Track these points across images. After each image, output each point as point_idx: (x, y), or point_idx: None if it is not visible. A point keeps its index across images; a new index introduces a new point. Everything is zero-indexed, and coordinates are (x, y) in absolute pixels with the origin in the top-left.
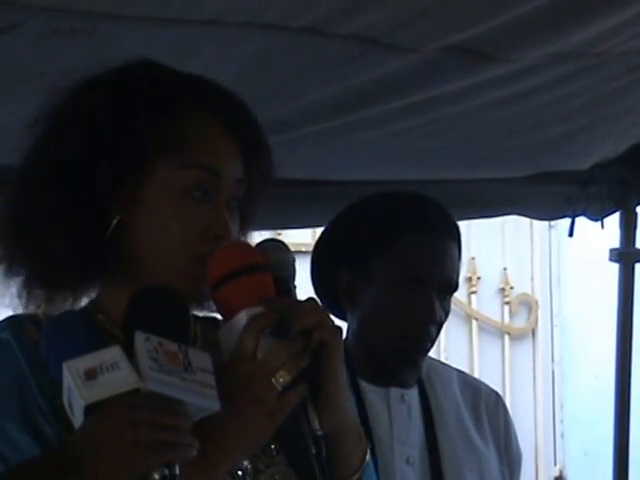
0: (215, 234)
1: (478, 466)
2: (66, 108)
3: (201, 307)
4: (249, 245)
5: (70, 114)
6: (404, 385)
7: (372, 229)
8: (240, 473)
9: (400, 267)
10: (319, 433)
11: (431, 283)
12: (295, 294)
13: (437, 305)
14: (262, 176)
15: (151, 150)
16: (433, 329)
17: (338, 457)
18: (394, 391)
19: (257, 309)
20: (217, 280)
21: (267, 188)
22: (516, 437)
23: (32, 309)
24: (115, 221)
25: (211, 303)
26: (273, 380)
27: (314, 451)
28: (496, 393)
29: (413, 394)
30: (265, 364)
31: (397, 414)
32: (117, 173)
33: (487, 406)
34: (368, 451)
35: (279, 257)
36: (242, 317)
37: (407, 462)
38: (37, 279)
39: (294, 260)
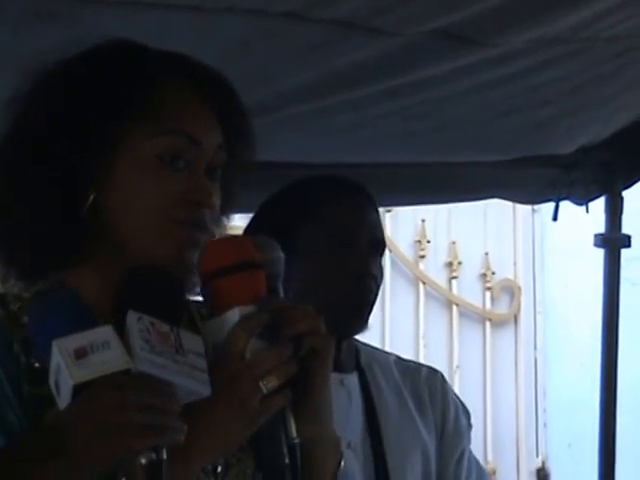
0: (196, 201)
1: (422, 450)
2: (34, 87)
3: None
4: (246, 240)
5: (37, 92)
6: (342, 369)
7: (293, 206)
8: (210, 466)
9: (326, 232)
10: (295, 441)
11: (359, 241)
12: (281, 293)
13: (370, 259)
14: (242, 145)
15: (123, 120)
16: (371, 283)
17: (312, 464)
18: (333, 376)
19: (250, 308)
20: (212, 271)
21: (249, 159)
22: (459, 410)
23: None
24: (92, 197)
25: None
26: (260, 383)
27: (287, 460)
28: (436, 371)
29: (352, 379)
30: (254, 366)
31: (336, 398)
32: (88, 147)
33: (428, 387)
34: (343, 458)
35: (272, 255)
36: (234, 314)
37: (348, 446)
38: (4, 260)
39: (283, 259)
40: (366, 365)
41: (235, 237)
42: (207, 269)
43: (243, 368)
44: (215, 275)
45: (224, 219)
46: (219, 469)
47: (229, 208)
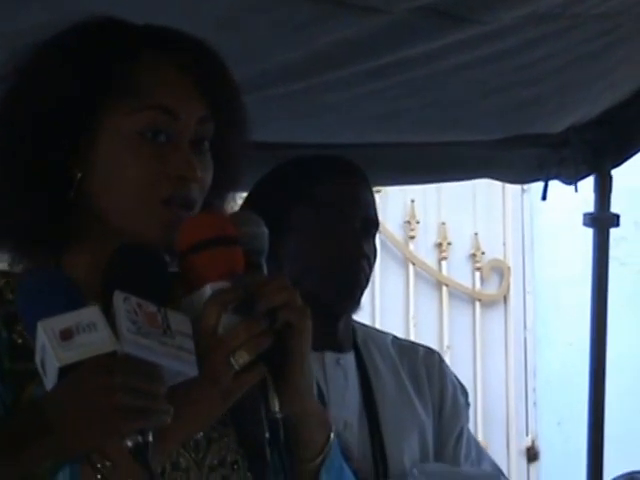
0: (180, 175)
1: (419, 430)
2: (13, 67)
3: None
4: (223, 215)
5: (16, 73)
6: (339, 349)
7: (286, 185)
8: (192, 442)
9: (319, 211)
10: (278, 416)
11: (352, 219)
12: (265, 269)
13: (363, 240)
14: (232, 115)
15: (103, 98)
16: (364, 263)
17: (300, 440)
18: (329, 355)
19: (223, 283)
20: (186, 248)
21: (240, 129)
22: (457, 390)
23: None
24: (79, 177)
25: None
26: (231, 359)
27: (267, 435)
28: (433, 351)
29: (349, 359)
30: (224, 342)
31: (333, 378)
32: (69, 127)
33: (425, 366)
34: (332, 434)
35: (252, 230)
36: (206, 291)
37: (344, 426)
38: (7, 247)
39: (267, 234)
40: (363, 345)
41: (210, 213)
42: (181, 246)
43: (215, 344)
44: (189, 252)
45: (229, 195)
46: (200, 444)
47: (231, 181)
